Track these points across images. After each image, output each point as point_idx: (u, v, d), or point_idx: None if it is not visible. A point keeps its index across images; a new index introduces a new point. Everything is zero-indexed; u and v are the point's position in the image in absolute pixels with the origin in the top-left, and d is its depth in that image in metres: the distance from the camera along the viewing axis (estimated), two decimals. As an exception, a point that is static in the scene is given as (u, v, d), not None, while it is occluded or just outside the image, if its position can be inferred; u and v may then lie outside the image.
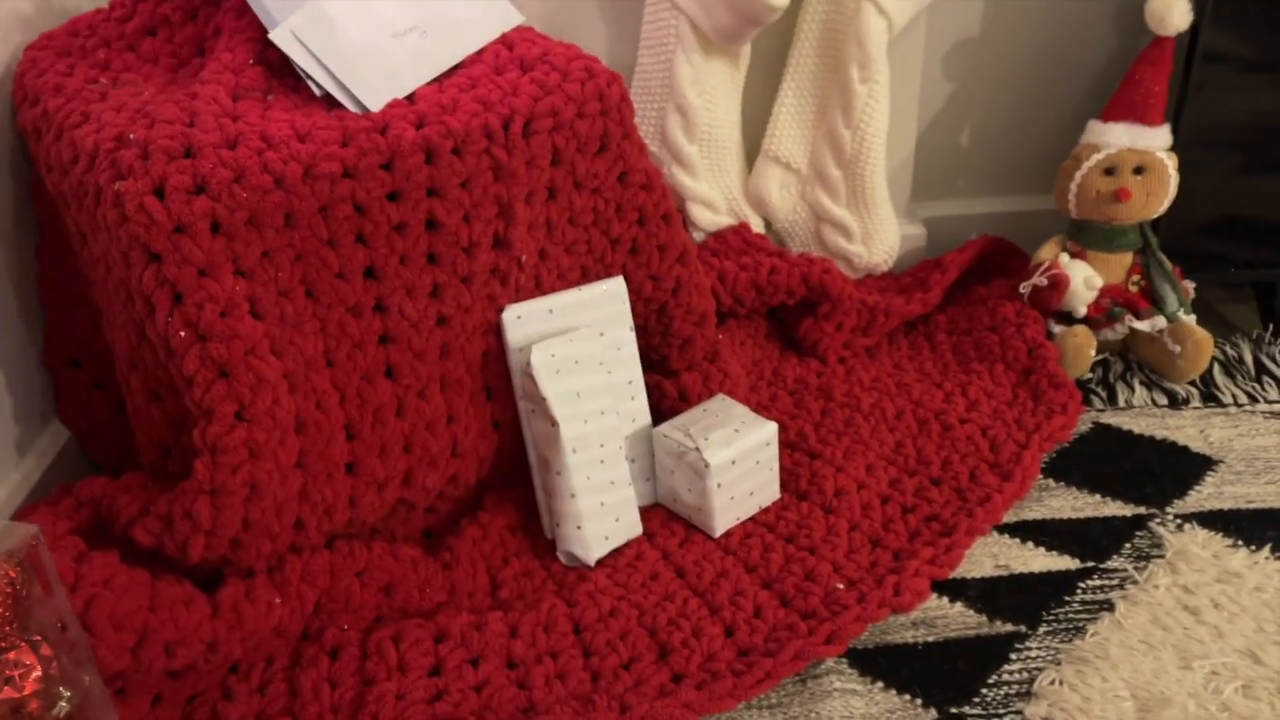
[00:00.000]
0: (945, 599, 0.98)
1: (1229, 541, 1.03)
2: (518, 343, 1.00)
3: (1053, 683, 0.89)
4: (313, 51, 0.91)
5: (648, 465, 1.10)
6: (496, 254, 0.96)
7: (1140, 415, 1.24)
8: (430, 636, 0.91)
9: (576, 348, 1.01)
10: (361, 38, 0.93)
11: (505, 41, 0.99)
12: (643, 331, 1.11)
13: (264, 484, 0.85)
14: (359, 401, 0.92)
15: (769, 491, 1.10)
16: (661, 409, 1.13)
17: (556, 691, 0.88)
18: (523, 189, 0.95)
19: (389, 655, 0.90)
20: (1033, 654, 0.92)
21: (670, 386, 1.14)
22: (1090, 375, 1.31)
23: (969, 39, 1.44)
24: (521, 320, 1.00)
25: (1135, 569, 1.01)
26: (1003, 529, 1.07)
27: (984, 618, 0.96)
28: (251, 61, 0.93)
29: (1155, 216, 1.32)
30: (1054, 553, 1.03)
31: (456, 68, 0.96)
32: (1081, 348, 1.28)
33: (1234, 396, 1.26)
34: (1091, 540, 1.05)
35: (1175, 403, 1.26)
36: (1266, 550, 1.02)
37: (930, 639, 0.94)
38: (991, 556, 1.03)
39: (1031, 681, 0.89)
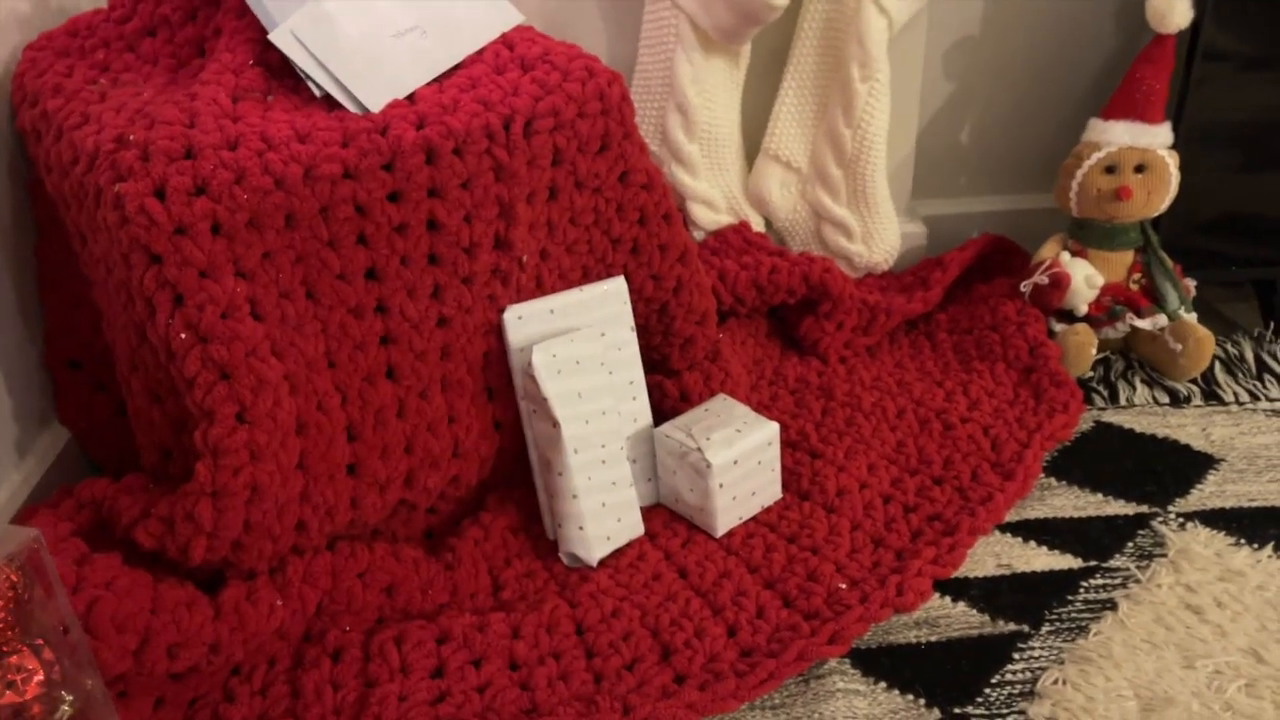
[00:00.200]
0: (948, 598, 0.98)
1: (1231, 540, 1.03)
2: (519, 343, 1.00)
3: (1056, 682, 0.89)
4: (312, 52, 0.91)
5: (649, 465, 1.10)
6: (498, 254, 0.96)
7: (1142, 414, 1.24)
8: (432, 638, 0.91)
9: (578, 348, 1.01)
10: (361, 38, 0.93)
11: (505, 41, 0.99)
12: (644, 331, 1.11)
13: (265, 486, 0.85)
14: (360, 403, 0.92)
15: (771, 491, 1.10)
16: (663, 409, 1.13)
17: (559, 693, 0.88)
18: (524, 189, 0.95)
19: (391, 657, 0.89)
20: (1036, 653, 0.92)
21: (671, 386, 1.14)
22: (1091, 374, 1.31)
23: (969, 37, 1.44)
24: (523, 321, 1.00)
25: (1138, 568, 1.01)
26: (1005, 528, 1.07)
27: (987, 617, 0.96)
28: (251, 62, 0.92)
29: (1156, 215, 1.32)
30: (1056, 552, 1.03)
31: (457, 67, 0.96)
32: (1083, 346, 1.27)
33: (1235, 395, 1.26)
34: (1094, 539, 1.05)
35: (1177, 401, 1.26)
36: (1269, 549, 1.02)
37: (933, 639, 0.94)
38: (994, 556, 1.03)
39: (1035, 681, 0.89)
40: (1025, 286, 1.33)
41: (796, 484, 1.12)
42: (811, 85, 1.37)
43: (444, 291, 0.94)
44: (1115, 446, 1.18)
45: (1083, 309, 1.30)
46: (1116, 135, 1.29)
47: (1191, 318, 1.29)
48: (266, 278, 0.86)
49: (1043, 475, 1.14)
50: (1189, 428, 1.21)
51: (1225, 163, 1.35)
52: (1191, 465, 1.14)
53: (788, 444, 1.17)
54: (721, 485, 1.04)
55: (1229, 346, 1.34)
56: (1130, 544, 1.04)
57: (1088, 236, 1.33)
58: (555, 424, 0.98)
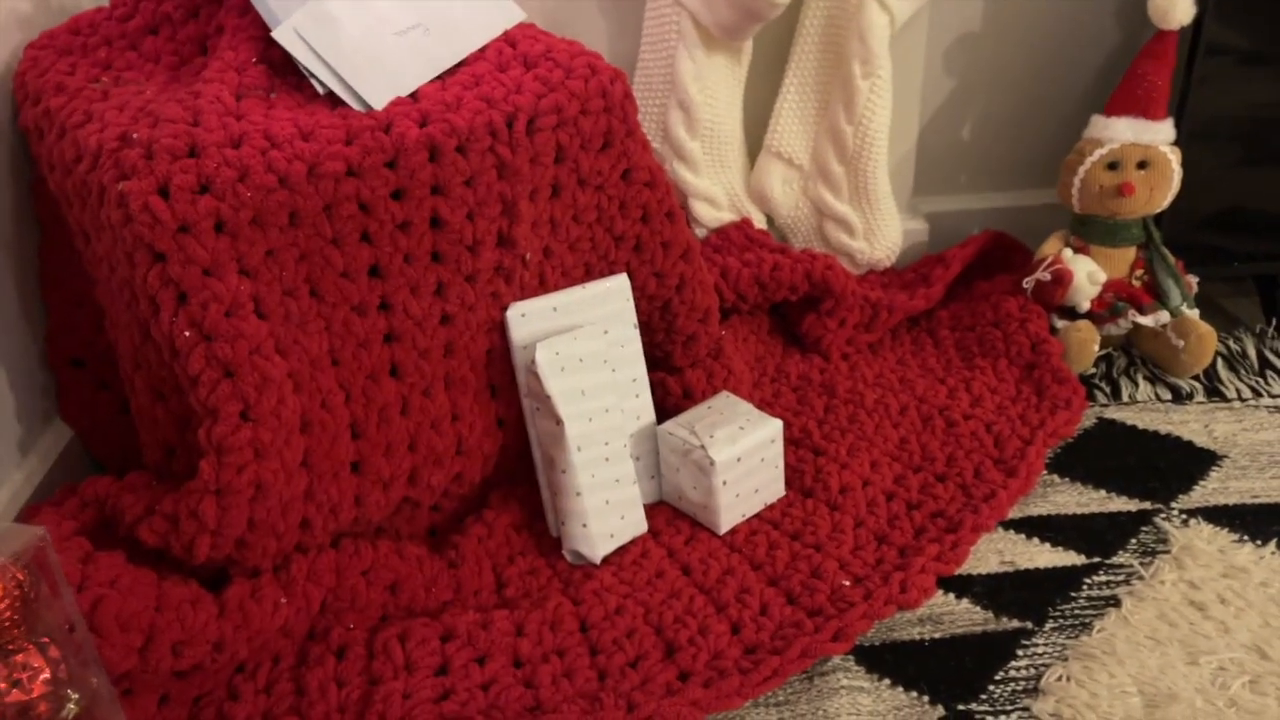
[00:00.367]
0: (951, 595, 0.98)
1: (1234, 536, 1.03)
2: (522, 340, 1.00)
3: (1060, 679, 0.89)
4: (315, 49, 0.91)
5: (652, 463, 1.10)
6: (501, 252, 0.96)
7: (1144, 410, 1.24)
8: (436, 635, 0.91)
9: (581, 345, 1.01)
10: (364, 35, 0.92)
11: (508, 38, 0.99)
12: (646, 328, 1.11)
13: (269, 483, 0.85)
14: (364, 400, 0.92)
15: (774, 488, 1.10)
16: (666, 406, 1.13)
17: (563, 690, 0.88)
18: (526, 186, 0.95)
19: (395, 654, 0.89)
20: (1039, 650, 0.92)
21: (674, 383, 1.14)
22: (1094, 370, 1.31)
23: (971, 34, 1.44)
24: (526, 318, 1.00)
25: (1141, 564, 1.01)
26: (1008, 525, 1.07)
27: (990, 614, 0.96)
28: (254, 60, 0.92)
29: (1158, 211, 1.31)
30: (1059, 548, 1.03)
31: (459, 65, 0.96)
32: (1085, 343, 1.27)
33: (1238, 391, 1.26)
34: (1097, 536, 1.05)
35: (1179, 397, 1.26)
36: (1272, 545, 1.02)
37: (937, 635, 0.94)
38: (997, 553, 1.03)
39: (1039, 678, 0.89)
40: (1027, 283, 1.33)
41: (799, 481, 1.12)
42: (813, 82, 1.37)
43: (447, 289, 0.94)
44: (1118, 443, 1.18)
45: (1085, 305, 1.30)
46: (1119, 132, 1.28)
47: (1194, 314, 1.29)
48: (270, 275, 0.85)
49: (1045, 472, 1.14)
50: (1191, 424, 1.21)
51: (1227, 158, 1.35)
52: (1194, 461, 1.14)
53: (790, 441, 1.17)
54: (725, 482, 1.04)
55: (1231, 342, 1.34)
56: (1133, 540, 1.04)
57: (1090, 233, 1.33)
58: (558, 421, 0.98)
